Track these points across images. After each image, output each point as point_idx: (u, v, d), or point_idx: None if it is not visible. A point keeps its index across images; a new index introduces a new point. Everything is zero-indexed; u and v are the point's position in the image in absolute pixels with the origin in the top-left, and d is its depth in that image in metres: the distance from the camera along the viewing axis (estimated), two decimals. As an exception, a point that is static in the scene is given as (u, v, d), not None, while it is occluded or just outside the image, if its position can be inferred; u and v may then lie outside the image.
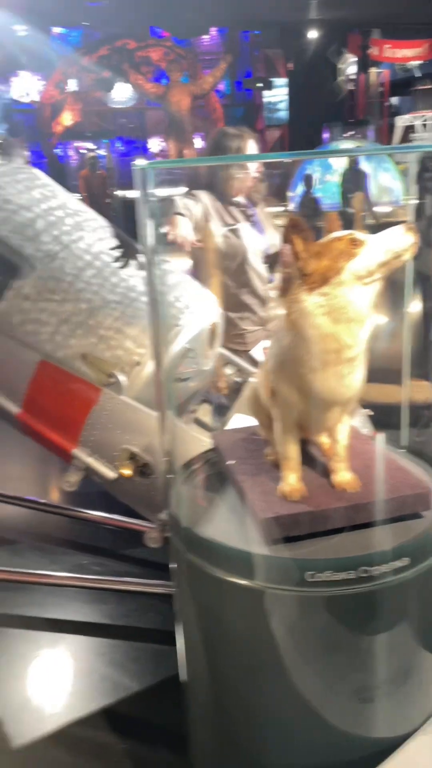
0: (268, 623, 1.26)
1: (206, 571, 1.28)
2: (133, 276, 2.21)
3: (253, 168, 2.61)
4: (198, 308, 2.30)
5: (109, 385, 2.10)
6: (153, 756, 1.97)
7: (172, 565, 1.48)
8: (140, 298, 2.17)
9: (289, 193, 8.37)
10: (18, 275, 2.16)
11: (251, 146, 2.58)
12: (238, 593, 1.25)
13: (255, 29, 13.79)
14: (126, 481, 2.18)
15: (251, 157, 2.81)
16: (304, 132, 12.89)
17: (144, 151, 15.93)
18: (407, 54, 10.86)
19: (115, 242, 2.31)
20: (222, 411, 2.83)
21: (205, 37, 14.46)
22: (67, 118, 14.37)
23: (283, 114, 14.22)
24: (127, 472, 2.12)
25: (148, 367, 2.13)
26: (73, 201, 2.41)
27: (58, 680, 2.29)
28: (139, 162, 1.23)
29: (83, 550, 3.01)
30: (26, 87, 15.10)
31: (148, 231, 1.29)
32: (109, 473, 2.16)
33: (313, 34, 12.85)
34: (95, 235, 2.26)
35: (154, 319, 1.37)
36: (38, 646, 2.42)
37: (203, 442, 2.09)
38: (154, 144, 16.45)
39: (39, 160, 12.31)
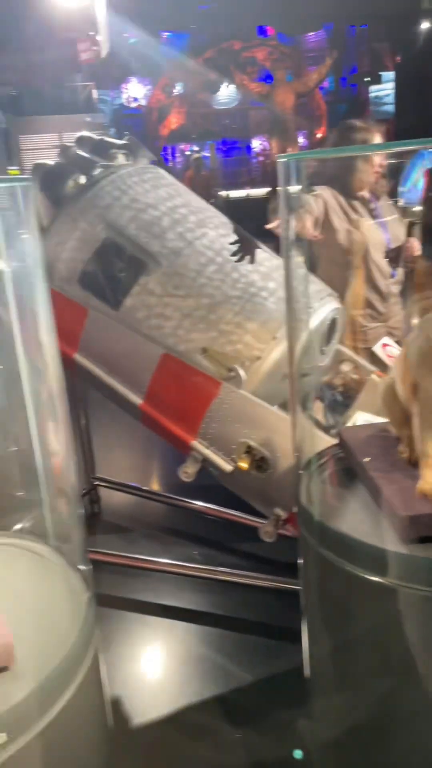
0: (401, 623, 1.23)
1: (338, 566, 1.27)
2: (253, 272, 2.24)
3: (378, 162, 2.57)
4: (317, 303, 2.30)
5: (229, 378, 2.13)
6: (267, 748, 1.98)
7: (300, 560, 1.48)
8: (260, 293, 2.19)
9: (401, 188, 8.12)
10: (144, 272, 2.24)
11: (377, 140, 2.54)
12: (371, 590, 1.24)
13: (362, 23, 13.52)
14: (242, 475, 2.21)
15: (377, 148, 2.76)
16: (411, 125, 12.48)
17: (247, 151, 15.99)
18: None
19: (235, 238, 2.34)
20: (336, 408, 2.80)
21: (311, 33, 14.31)
22: (173, 121, 14.67)
23: (389, 108, 13.86)
24: (244, 465, 2.15)
25: (268, 362, 2.14)
26: (196, 199, 2.46)
27: (171, 665, 2.36)
28: (283, 156, 1.24)
29: (191, 540, 3.08)
30: (135, 92, 15.55)
31: (287, 224, 1.30)
32: (226, 466, 2.20)
33: (422, 25, 12.43)
34: (217, 231, 2.30)
35: (289, 313, 1.38)
36: (152, 631, 2.50)
37: (322, 438, 2.09)
38: (257, 144, 16.49)
39: (146, 163, 12.68)
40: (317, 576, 1.39)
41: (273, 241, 2.53)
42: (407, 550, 1.22)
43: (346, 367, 2.76)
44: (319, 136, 14.24)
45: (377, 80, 12.48)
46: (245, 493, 2.34)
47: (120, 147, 2.47)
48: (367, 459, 1.41)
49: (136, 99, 15.81)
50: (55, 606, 1.19)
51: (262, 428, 2.12)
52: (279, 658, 2.40)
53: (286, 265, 1.34)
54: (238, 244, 2.31)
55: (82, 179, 2.38)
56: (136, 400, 2.32)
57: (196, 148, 13.79)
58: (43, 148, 6.27)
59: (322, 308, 2.33)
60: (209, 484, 2.47)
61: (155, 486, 3.63)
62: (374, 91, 13.47)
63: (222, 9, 11.02)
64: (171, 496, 3.28)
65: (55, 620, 1.15)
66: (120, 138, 2.65)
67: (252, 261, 2.25)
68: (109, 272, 2.30)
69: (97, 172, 2.35)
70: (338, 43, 13.27)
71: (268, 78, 14.32)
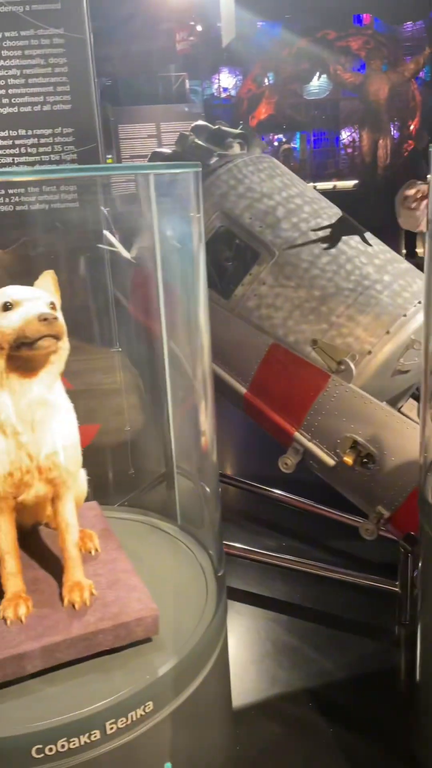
0: None
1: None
2: (368, 264, 2.20)
3: None
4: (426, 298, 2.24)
5: (338, 372, 2.11)
6: (363, 746, 1.96)
7: (424, 563, 1.45)
8: (374, 286, 2.15)
9: None
10: (256, 261, 2.24)
11: None
12: None
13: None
14: (345, 470, 2.18)
15: None
16: None
17: (335, 142, 15.70)
18: None
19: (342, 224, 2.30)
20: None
21: (409, 22, 13.85)
22: (262, 112, 14.58)
23: None
24: (348, 460, 2.12)
25: (380, 357, 2.11)
26: (310, 189, 2.44)
27: (261, 653, 2.37)
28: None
29: (277, 531, 3.08)
30: (225, 83, 15.55)
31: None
32: (329, 460, 2.18)
33: None
34: (331, 222, 2.28)
35: (428, 306, 1.35)
36: (241, 618, 2.52)
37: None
38: (346, 135, 16.16)
39: (233, 153, 12.64)
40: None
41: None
42: None
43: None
44: (412, 128, 13.80)
45: None
46: (346, 488, 2.32)
47: (236, 136, 2.47)
48: None
49: (226, 89, 15.82)
50: (187, 583, 1.23)
51: (369, 424, 2.09)
52: (374, 659, 2.37)
53: (427, 253, 1.31)
54: (329, 230, 2.26)
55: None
56: (241, 388, 2.34)
57: (284, 139, 13.68)
58: (140, 137, 6.35)
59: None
60: (296, 476, 2.46)
61: (242, 475, 3.64)
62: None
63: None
64: (259, 485, 3.28)
65: (189, 597, 1.18)
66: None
67: (333, 246, 2.20)
68: (221, 261, 2.32)
69: (213, 161, 2.37)
70: (438, 32, 12.75)
71: (362, 68, 13.98)
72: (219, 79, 15.07)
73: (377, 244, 2.31)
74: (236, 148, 2.45)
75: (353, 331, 2.10)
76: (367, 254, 2.22)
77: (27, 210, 1.99)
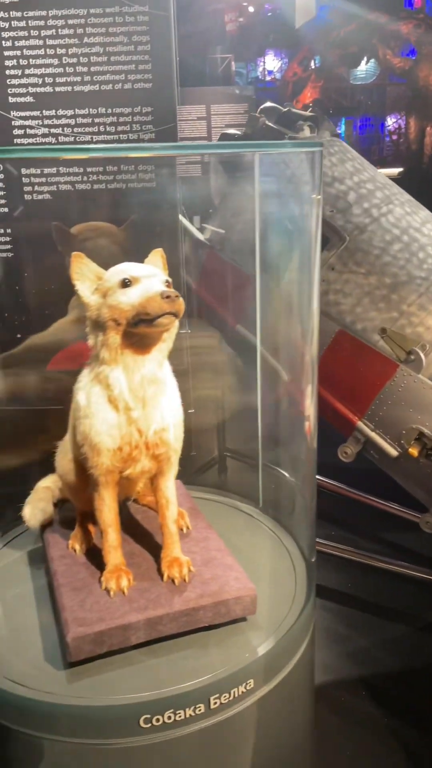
0: None
1: None
2: (442, 253, 2.15)
3: None
4: None
5: (407, 362, 2.08)
6: (419, 740, 1.96)
7: None
8: (449, 275, 2.11)
9: None
10: (325, 246, 2.21)
11: None
12: None
13: None
14: (408, 462, 2.16)
15: None
16: None
17: (381, 128, 15.44)
18: None
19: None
20: None
21: (464, 5, 13.47)
22: (307, 96, 14.38)
23: None
24: (414, 452, 2.09)
25: (451, 348, 2.07)
26: (381, 175, 2.40)
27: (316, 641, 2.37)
28: None
29: (326, 519, 3.07)
30: (270, 65, 15.37)
31: None
32: (392, 450, 2.16)
33: None
34: (404, 209, 2.24)
35: None
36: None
37: None
38: (391, 122, 15.87)
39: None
40: None
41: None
42: None
43: None
44: (460, 115, 13.42)
45: None
46: (407, 480, 2.29)
47: (306, 119, 2.43)
48: None
49: (270, 72, 15.67)
50: (275, 565, 1.24)
51: (438, 415, 2.06)
52: (424, 651, 2.36)
53: None
54: None
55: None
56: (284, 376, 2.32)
57: (310, 124, 13.49)
58: (189, 119, 6.31)
59: None
60: (342, 464, 2.44)
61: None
62: None
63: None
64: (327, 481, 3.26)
65: (278, 579, 1.20)
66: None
67: None
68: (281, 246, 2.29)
69: (283, 143, 2.34)
70: None
71: (411, 53, 13.68)
72: (264, 62, 14.88)
73: (448, 233, 2.26)
74: (306, 131, 2.42)
75: (424, 320, 2.07)
76: (437, 240, 2.18)
77: (104, 189, 1.99)
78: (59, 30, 1.94)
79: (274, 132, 2.34)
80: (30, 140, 2.00)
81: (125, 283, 1.27)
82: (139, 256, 1.34)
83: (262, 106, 2.54)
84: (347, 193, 2.25)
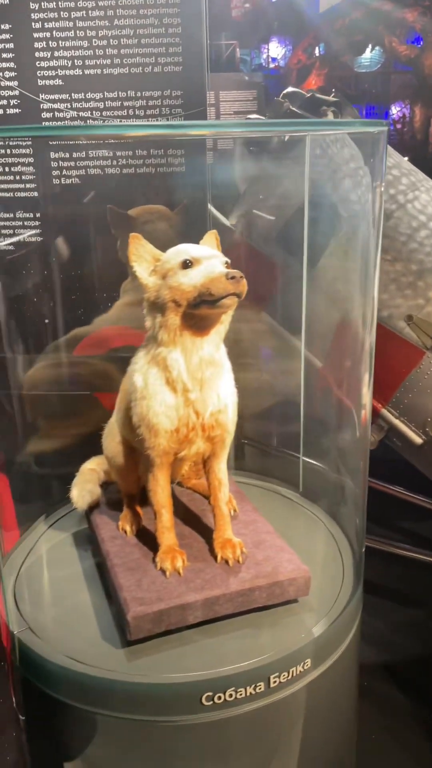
0: None
1: None
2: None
3: None
4: None
5: (433, 349, 2.08)
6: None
7: None
8: None
9: None
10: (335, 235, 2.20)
11: None
12: None
13: None
14: (430, 450, 2.17)
15: None
16: None
17: (384, 117, 15.37)
18: None
19: None
20: None
21: (470, -7, 13.38)
22: (312, 83, 14.28)
23: None
24: (443, 439, 2.10)
25: None
26: (405, 162, 2.38)
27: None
28: None
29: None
30: (274, 53, 15.26)
31: None
32: (417, 438, 2.16)
33: None
34: (430, 195, 2.23)
35: None
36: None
37: None
38: (395, 110, 15.79)
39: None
40: None
41: None
42: None
43: None
44: (464, 105, 13.36)
45: None
46: (430, 469, 2.30)
47: (330, 104, 2.42)
48: None
49: (274, 59, 15.57)
50: (321, 549, 1.26)
51: (465, 403, 2.06)
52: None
53: None
54: None
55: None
56: (317, 362, 2.32)
57: (333, 110, 13.39)
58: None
59: None
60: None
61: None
62: None
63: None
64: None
65: (325, 562, 1.21)
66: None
67: None
68: (309, 232, 2.28)
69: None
70: None
71: (417, 40, 13.59)
72: (268, 49, 14.77)
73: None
74: (330, 116, 2.40)
75: (460, 306, 2.07)
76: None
77: (134, 173, 1.98)
78: (89, 12, 1.92)
79: (297, 117, 2.33)
80: (58, 123, 1.99)
81: (186, 264, 1.27)
82: (182, 240, 1.34)
83: (285, 91, 2.53)
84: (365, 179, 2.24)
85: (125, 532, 1.58)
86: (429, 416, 2.10)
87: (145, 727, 1.05)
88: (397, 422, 2.18)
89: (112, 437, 1.63)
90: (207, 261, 1.26)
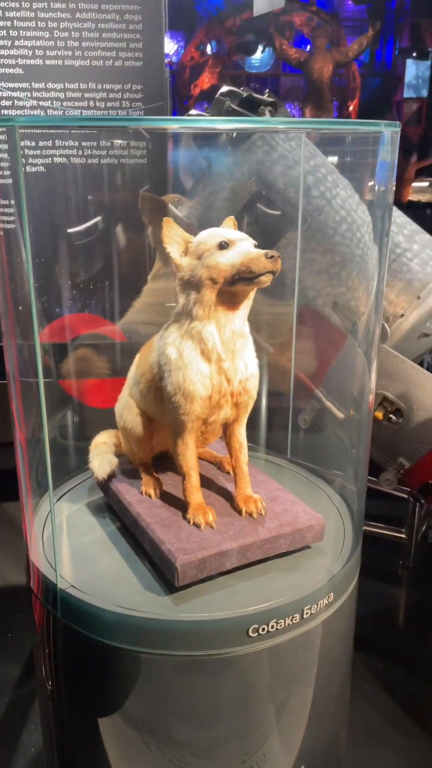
0: None
1: None
2: (398, 233, 2.35)
3: None
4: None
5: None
6: (386, 671, 2.19)
7: None
8: (405, 254, 2.31)
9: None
10: (292, 227, 2.35)
11: None
12: None
13: (405, -5, 13.29)
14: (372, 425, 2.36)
15: None
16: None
17: (276, 117, 15.63)
18: None
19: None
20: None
21: (350, 1, 14.08)
22: (205, 81, 14.44)
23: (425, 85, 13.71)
24: (379, 415, 2.29)
25: (410, 320, 2.28)
26: (328, 161, 2.57)
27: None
28: None
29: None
30: (166, 48, 15.22)
31: None
32: (339, 414, 2.35)
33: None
34: (346, 191, 2.43)
35: None
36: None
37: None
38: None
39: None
40: None
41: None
42: None
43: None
44: (351, 108, 14.09)
45: (425, 56, 12.34)
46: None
47: (267, 104, 2.55)
48: None
49: (167, 55, 15.48)
50: (322, 506, 1.41)
51: (400, 381, 2.26)
52: (384, 598, 2.60)
53: None
54: None
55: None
56: (269, 348, 2.45)
57: (270, 109, 13.70)
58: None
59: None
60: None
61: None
62: (410, 66, 13.32)
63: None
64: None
65: (327, 514, 1.36)
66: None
67: None
68: (257, 225, 2.41)
69: (247, 127, 2.44)
70: (379, 14, 13.09)
71: (303, 43, 14.12)
72: (160, 44, 14.77)
73: (399, 215, 2.47)
74: (267, 116, 2.53)
75: (387, 295, 2.26)
76: (397, 224, 2.38)
77: (98, 164, 2.01)
78: (51, 3, 1.92)
79: (240, 115, 2.44)
80: (18, 112, 1.98)
81: (222, 246, 1.38)
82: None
83: (222, 90, 2.63)
84: (306, 176, 2.40)
85: (150, 495, 1.67)
86: (349, 394, 2.30)
87: (198, 662, 1.15)
88: (327, 403, 2.36)
89: (129, 410, 1.72)
90: (240, 243, 1.37)
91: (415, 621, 2.48)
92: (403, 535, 2.65)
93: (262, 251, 1.37)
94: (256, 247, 1.40)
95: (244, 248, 1.37)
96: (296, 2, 13.30)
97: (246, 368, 1.46)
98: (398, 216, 2.41)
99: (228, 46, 13.75)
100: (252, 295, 1.44)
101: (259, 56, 14.32)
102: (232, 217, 1.49)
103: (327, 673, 1.33)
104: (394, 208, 2.54)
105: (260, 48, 13.50)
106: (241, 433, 1.55)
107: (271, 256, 1.36)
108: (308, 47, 13.26)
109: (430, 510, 2.60)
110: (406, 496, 2.54)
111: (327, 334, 2.37)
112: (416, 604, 2.56)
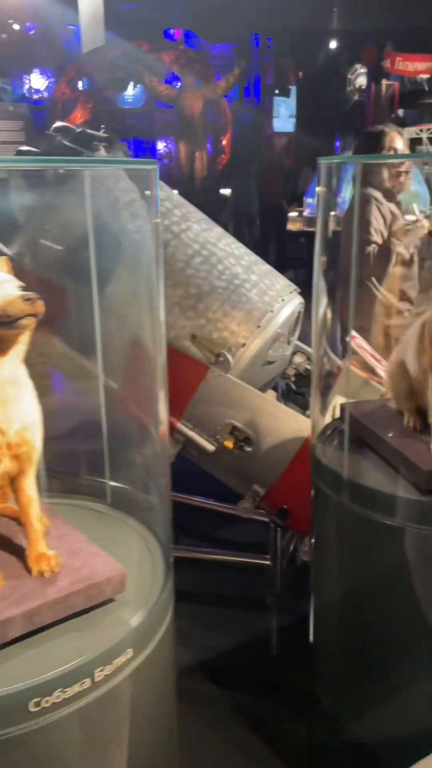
0: (409, 563, 1.45)
1: (354, 512, 1.47)
2: (236, 265, 2.40)
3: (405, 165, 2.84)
4: (286, 297, 2.49)
5: (216, 363, 2.27)
6: (252, 705, 2.16)
7: (316, 518, 1.66)
8: (244, 285, 2.35)
9: (308, 200, 8.64)
10: (118, 263, 2.33)
11: (399, 142, 2.81)
12: (382, 532, 1.44)
13: (267, 36, 14.05)
14: (224, 455, 2.36)
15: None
16: (311, 140, 13.16)
17: (152, 152, 16.07)
18: (419, 68, 11.16)
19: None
20: (288, 396, 3.02)
21: (217, 43, 14.67)
22: (78, 116, 14.50)
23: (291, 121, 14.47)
24: (229, 444, 2.30)
25: (252, 349, 2.31)
26: (175, 194, 2.58)
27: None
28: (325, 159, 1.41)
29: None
30: (37, 84, 15.25)
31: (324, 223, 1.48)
32: (209, 446, 2.34)
33: (326, 44, 13.15)
34: (200, 225, 2.44)
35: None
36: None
37: (298, 420, 2.30)
38: (162, 146, 16.62)
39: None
40: (332, 522, 1.58)
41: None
42: (425, 497, 1.44)
43: (299, 359, 2.99)
44: (224, 143, 14.62)
45: (287, 93, 13.02)
46: (224, 473, 2.49)
47: (101, 140, 2.54)
48: (379, 428, 1.62)
49: (38, 91, 15.50)
50: (132, 551, 1.33)
51: (246, 410, 2.28)
52: (252, 626, 2.58)
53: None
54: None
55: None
56: (113, 385, 2.41)
57: (105, 144, 13.72)
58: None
59: (291, 302, 2.53)
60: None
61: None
62: (278, 103, 14.05)
63: (138, 9, 11.08)
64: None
65: (136, 562, 1.29)
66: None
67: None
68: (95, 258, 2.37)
69: (82, 163, 2.41)
70: (244, 53, 13.73)
71: (174, 80, 14.53)
72: (30, 80, 14.69)
73: (238, 247, 2.52)
74: (102, 151, 2.52)
75: (228, 325, 2.28)
76: (235, 256, 2.42)
77: None
78: None
79: (70, 151, 2.41)
80: None
81: None
82: None
83: (54, 125, 2.59)
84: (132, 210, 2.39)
85: None
86: (218, 424, 2.29)
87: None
88: (191, 434, 2.34)
89: None
90: (0, 285, 1.28)
91: (285, 648, 2.48)
92: (268, 561, 2.65)
93: (19, 293, 1.29)
94: (24, 289, 1.32)
95: (3, 291, 1.30)
96: (164, 41, 13.69)
97: (23, 417, 1.37)
98: (236, 248, 2.46)
99: (99, 82, 13.89)
100: (25, 338, 1.37)
101: (131, 92, 14.58)
102: (5, 257, 1.42)
103: (144, 726, 1.25)
104: (233, 240, 2.59)
105: (131, 84, 13.74)
106: (28, 486, 1.43)
107: (28, 299, 1.29)
108: (178, 84, 13.65)
109: (294, 533, 2.63)
110: (267, 520, 2.56)
111: (184, 366, 2.36)
112: (285, 630, 2.56)
